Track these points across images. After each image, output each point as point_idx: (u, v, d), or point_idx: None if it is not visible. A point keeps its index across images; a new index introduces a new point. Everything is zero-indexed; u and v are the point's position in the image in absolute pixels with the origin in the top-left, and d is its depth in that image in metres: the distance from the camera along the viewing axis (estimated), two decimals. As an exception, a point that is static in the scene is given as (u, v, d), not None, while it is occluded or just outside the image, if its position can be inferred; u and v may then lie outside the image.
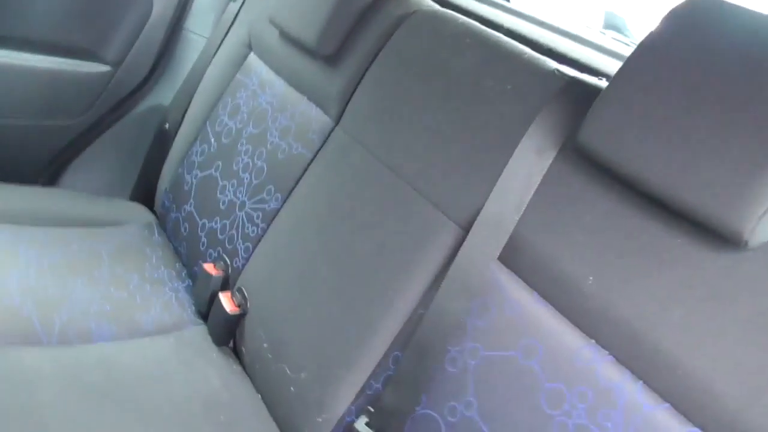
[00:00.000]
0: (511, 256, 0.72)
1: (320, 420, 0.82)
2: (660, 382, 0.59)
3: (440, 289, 0.74)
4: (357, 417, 0.78)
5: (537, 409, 0.65)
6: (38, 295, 0.94)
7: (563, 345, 0.65)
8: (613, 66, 0.89)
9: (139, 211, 1.29)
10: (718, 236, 0.58)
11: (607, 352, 0.63)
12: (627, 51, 0.99)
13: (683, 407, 0.57)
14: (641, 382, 0.60)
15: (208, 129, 1.20)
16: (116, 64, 1.30)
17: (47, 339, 0.88)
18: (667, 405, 0.58)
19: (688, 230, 0.60)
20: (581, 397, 0.63)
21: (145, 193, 1.34)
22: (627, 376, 0.61)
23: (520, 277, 0.71)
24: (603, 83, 0.74)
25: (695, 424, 0.57)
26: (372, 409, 0.78)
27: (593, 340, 0.64)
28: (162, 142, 1.31)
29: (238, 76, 1.20)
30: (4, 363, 0.81)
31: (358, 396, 0.81)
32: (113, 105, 1.35)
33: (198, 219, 1.13)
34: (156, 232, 1.23)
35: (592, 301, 0.64)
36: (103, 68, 1.29)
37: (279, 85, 1.11)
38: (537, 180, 0.72)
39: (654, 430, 0.58)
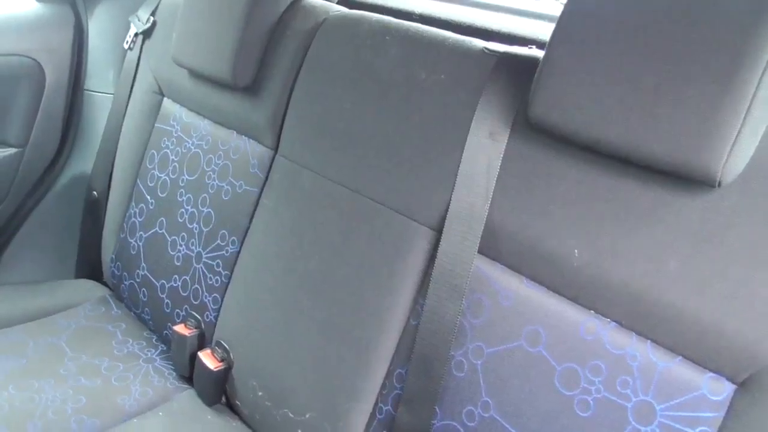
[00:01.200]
0: (492, 246, 0.67)
1: None
2: (668, 337, 0.56)
3: (428, 295, 0.69)
4: (375, 442, 0.73)
5: (554, 394, 0.61)
6: (4, 410, 0.82)
7: (565, 323, 0.61)
8: (537, 27, 0.86)
9: (89, 287, 1.17)
10: (692, 181, 0.55)
11: (609, 320, 0.60)
12: (547, 9, 0.96)
13: (696, 356, 0.55)
14: (649, 341, 0.57)
15: (141, 187, 1.08)
16: (22, 144, 1.15)
17: (27, 456, 0.77)
18: (680, 358, 0.56)
19: (661, 182, 0.57)
20: (595, 371, 0.59)
21: (90, 268, 1.21)
22: (634, 339, 0.58)
23: (505, 265, 0.66)
24: (536, 52, 0.70)
25: (712, 369, 0.54)
26: None
27: (593, 311, 0.60)
28: (94, 211, 1.18)
29: (157, 125, 1.09)
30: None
31: (370, 423, 0.75)
32: (31, 186, 1.20)
33: (155, 281, 1.03)
34: (113, 305, 1.11)
35: (583, 272, 0.61)
36: (9, 151, 1.15)
37: (203, 125, 1.01)
38: (497, 164, 0.67)
39: (673, 385, 0.56)
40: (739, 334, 0.53)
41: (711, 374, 0.54)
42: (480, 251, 0.68)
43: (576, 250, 0.61)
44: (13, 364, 0.91)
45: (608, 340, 0.59)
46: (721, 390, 0.54)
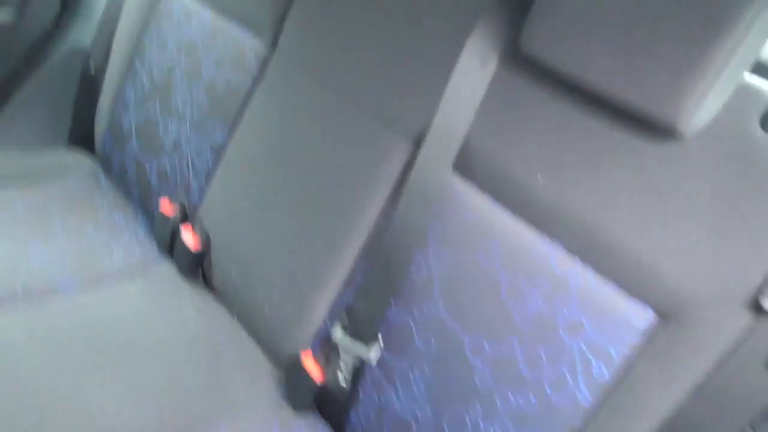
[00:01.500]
0: (465, 165, 0.70)
1: (298, 333, 0.82)
2: (608, 266, 0.61)
3: (400, 201, 0.73)
4: (333, 326, 0.79)
5: (499, 303, 0.66)
6: (-9, 263, 0.86)
7: (520, 242, 0.66)
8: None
9: (80, 158, 1.18)
10: (656, 130, 0.58)
11: (559, 243, 0.64)
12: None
13: (629, 287, 0.60)
14: (590, 267, 0.62)
15: (137, 66, 1.08)
16: (21, 9, 1.12)
17: (11, 301, 0.82)
18: (615, 285, 0.61)
19: (629, 126, 0.60)
20: (538, 287, 0.64)
21: (82, 141, 1.22)
22: (578, 264, 0.63)
23: (474, 183, 0.70)
24: None
25: (641, 299, 0.59)
26: (346, 317, 0.78)
27: (546, 235, 0.65)
28: (90, 85, 1.17)
29: (159, 7, 1.07)
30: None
31: (331, 307, 0.81)
32: (26, 53, 1.17)
33: (144, 159, 1.05)
34: (102, 177, 1.14)
35: (543, 198, 0.65)
36: (6, 16, 1.11)
37: (205, 13, 1.00)
38: (482, 89, 0.69)
39: (604, 308, 0.61)
40: (670, 272, 0.58)
41: (639, 303, 0.60)
42: (454, 168, 0.71)
43: (539, 176, 0.64)
44: (3, 222, 0.94)
45: (555, 261, 0.64)
46: (646, 318, 0.59)
